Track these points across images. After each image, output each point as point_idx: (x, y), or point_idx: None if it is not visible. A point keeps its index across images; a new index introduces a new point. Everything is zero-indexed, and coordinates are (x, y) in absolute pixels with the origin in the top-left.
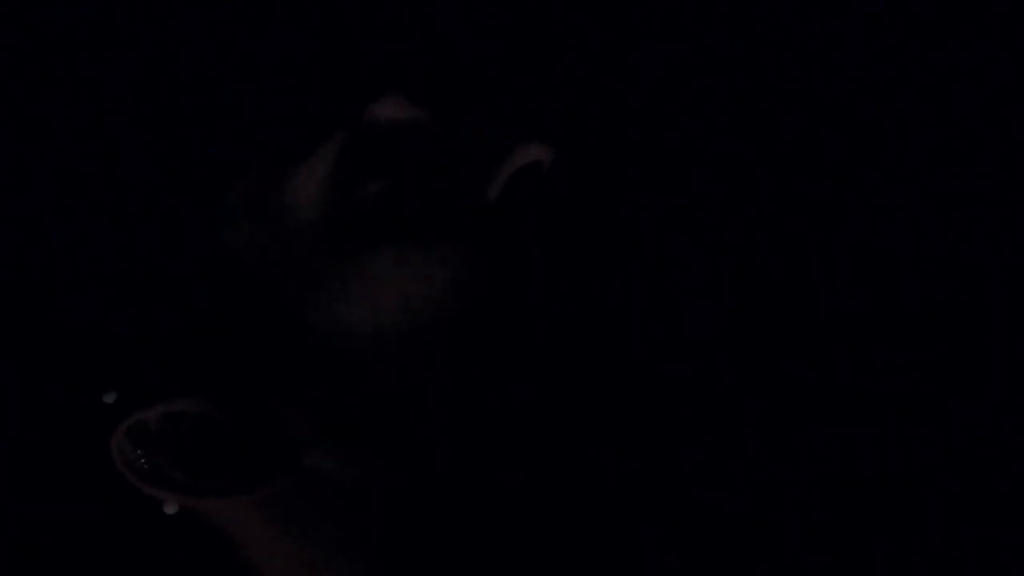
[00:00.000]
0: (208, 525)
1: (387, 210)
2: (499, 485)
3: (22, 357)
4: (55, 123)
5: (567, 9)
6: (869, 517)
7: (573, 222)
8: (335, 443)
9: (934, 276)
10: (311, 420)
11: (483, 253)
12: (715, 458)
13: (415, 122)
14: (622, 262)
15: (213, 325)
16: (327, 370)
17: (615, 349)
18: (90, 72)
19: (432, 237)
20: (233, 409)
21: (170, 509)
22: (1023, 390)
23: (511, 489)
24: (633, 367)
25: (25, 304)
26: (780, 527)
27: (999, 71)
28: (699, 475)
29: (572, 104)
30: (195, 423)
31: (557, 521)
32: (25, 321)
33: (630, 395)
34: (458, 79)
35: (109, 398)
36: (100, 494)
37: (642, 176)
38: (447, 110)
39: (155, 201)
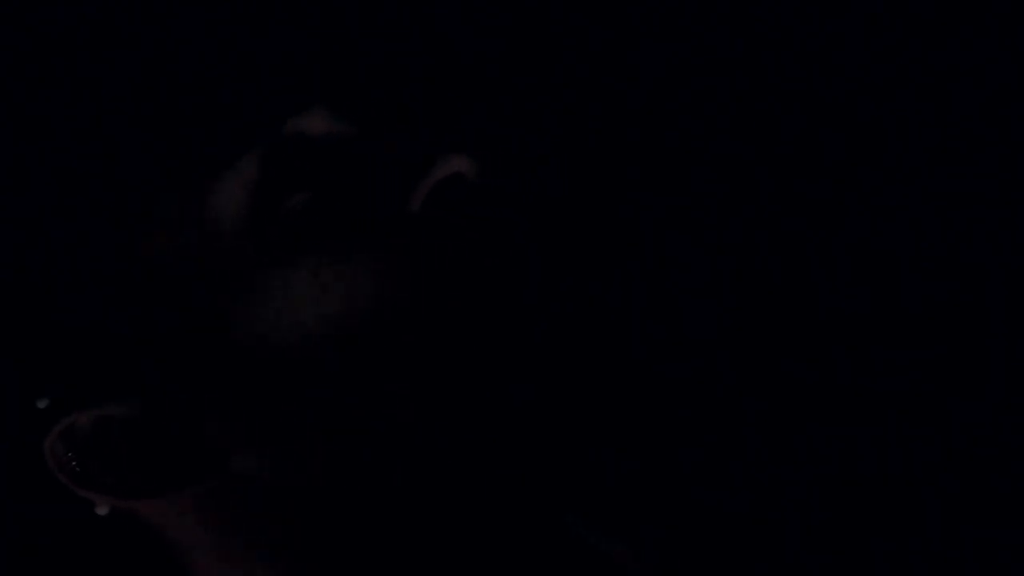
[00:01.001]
0: (146, 527)
1: (310, 222)
2: (447, 490)
3: (22, 357)
4: (55, 123)
5: (567, 9)
6: (869, 517)
7: (572, 222)
8: (262, 449)
9: (934, 276)
10: (236, 426)
11: (406, 264)
12: (715, 458)
13: (339, 135)
14: (622, 262)
15: (140, 332)
16: (250, 379)
17: (615, 349)
18: (90, 72)
19: (355, 249)
20: (159, 414)
21: (102, 510)
22: (1023, 390)
23: (470, 492)
24: (633, 367)
25: (25, 304)
26: (780, 527)
27: (999, 71)
28: (699, 475)
29: (572, 104)
30: (124, 427)
31: (541, 518)
32: (25, 321)
33: (630, 395)
34: (457, 79)
35: (42, 403)
36: (52, 514)
37: (642, 176)
38: (373, 123)
39: (124, 210)
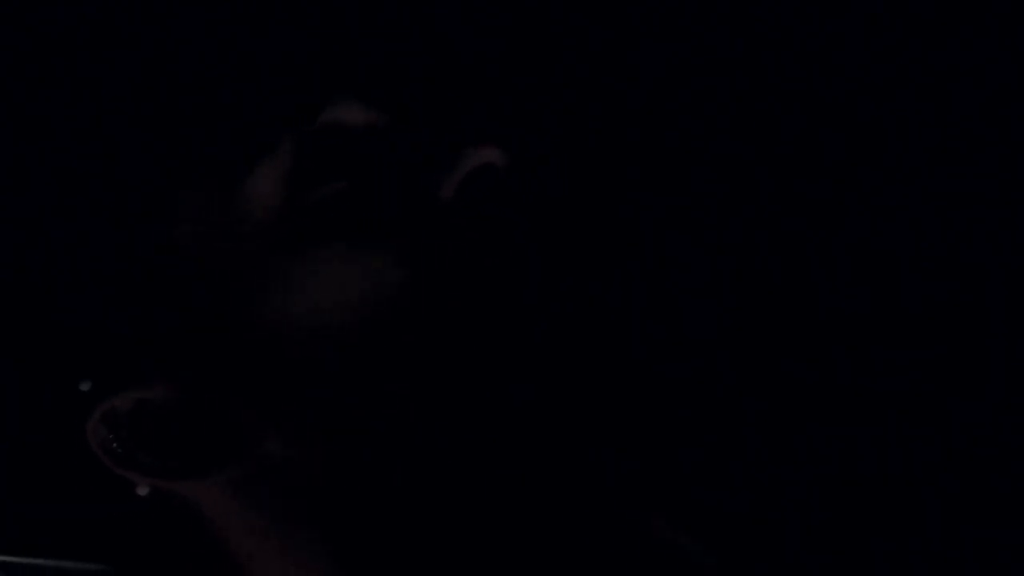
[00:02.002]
0: (188, 509)
1: (341, 210)
2: (474, 479)
3: (22, 357)
4: (55, 123)
5: (567, 9)
6: (869, 517)
7: (572, 222)
8: (291, 433)
9: (934, 276)
10: (260, 413)
11: (437, 253)
12: (715, 458)
13: (371, 124)
14: (622, 262)
15: (165, 322)
16: (277, 365)
17: (615, 349)
18: (90, 72)
19: (385, 237)
20: (193, 398)
21: (142, 491)
22: (1023, 390)
23: (490, 482)
24: (633, 367)
25: (25, 304)
26: (780, 527)
27: (999, 71)
28: (699, 475)
29: (572, 104)
30: (161, 411)
31: (545, 518)
32: (25, 321)
33: (630, 395)
34: (457, 79)
35: (85, 386)
36: (99, 496)
37: (642, 176)
38: (404, 112)
39: (156, 200)
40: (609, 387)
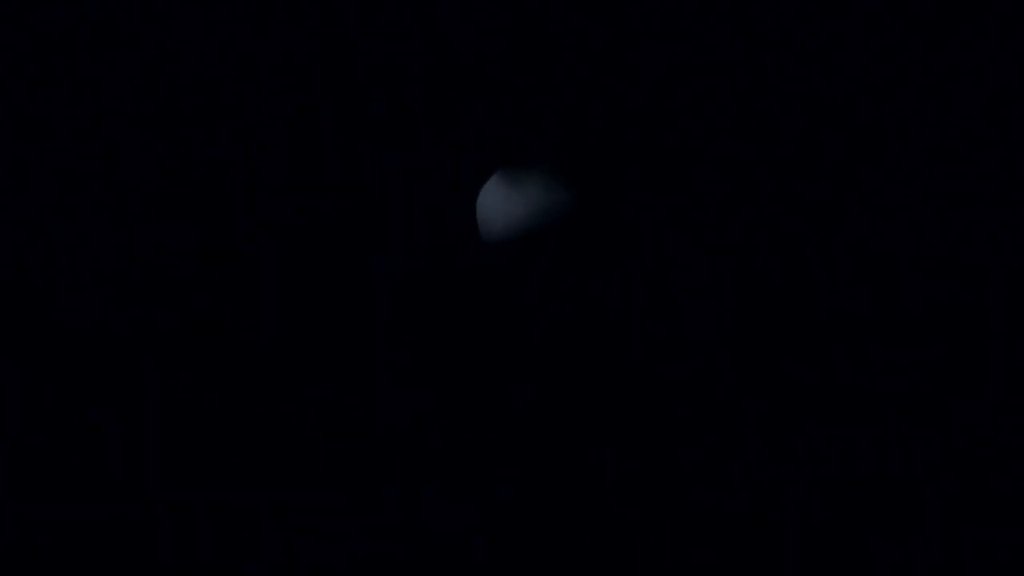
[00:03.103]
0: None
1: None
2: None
3: (22, 357)
4: (55, 123)
5: (567, 9)
6: (869, 517)
7: (572, 222)
8: None
9: (934, 276)
10: None
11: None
12: (715, 458)
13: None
14: (622, 262)
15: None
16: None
17: (615, 349)
18: (90, 72)
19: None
20: None
21: None
22: (1023, 390)
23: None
24: (633, 367)
25: (25, 304)
26: (780, 527)
27: (999, 71)
28: (699, 475)
29: (572, 104)
30: None
31: (553, 521)
32: (25, 321)
33: (630, 395)
34: (458, 79)
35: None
36: (99, 494)
37: (642, 176)
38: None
39: (155, 201)
40: (609, 387)
